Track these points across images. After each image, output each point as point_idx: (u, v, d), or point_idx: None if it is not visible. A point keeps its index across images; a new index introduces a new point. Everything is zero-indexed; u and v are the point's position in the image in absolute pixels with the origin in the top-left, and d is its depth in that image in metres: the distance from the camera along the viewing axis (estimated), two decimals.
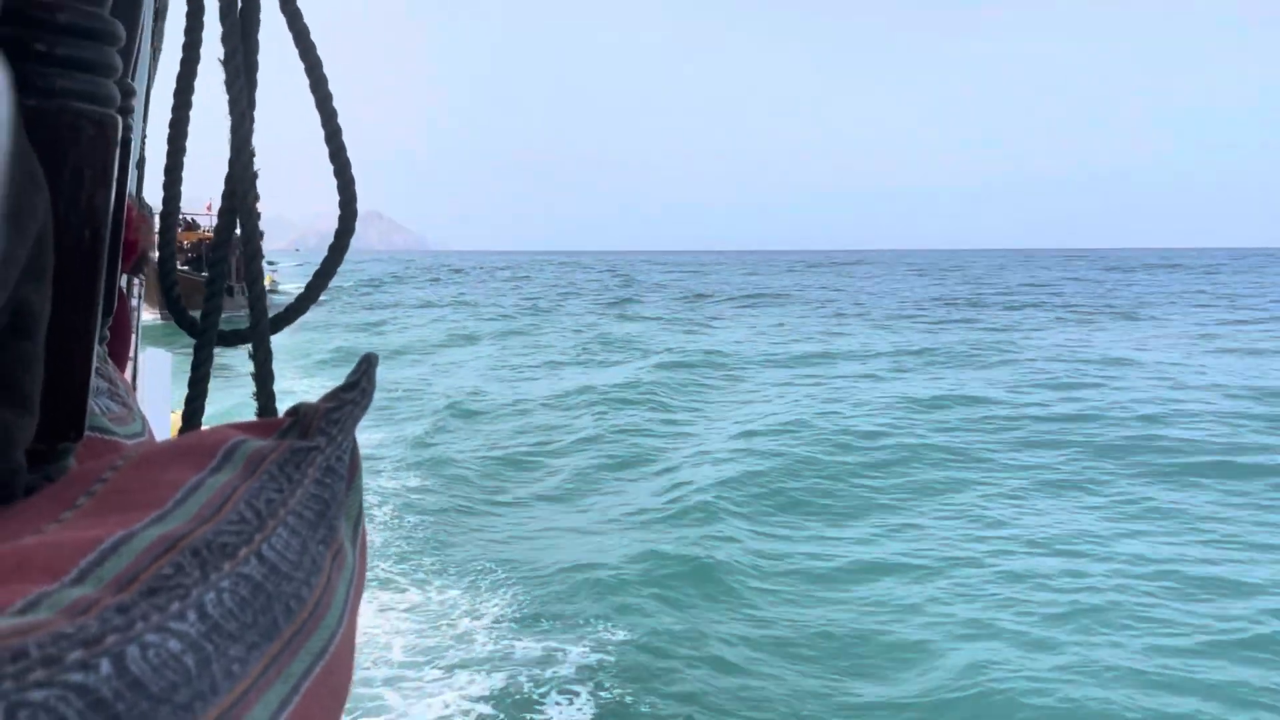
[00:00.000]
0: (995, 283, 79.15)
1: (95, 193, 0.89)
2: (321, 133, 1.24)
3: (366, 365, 0.87)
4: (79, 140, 0.88)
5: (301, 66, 1.23)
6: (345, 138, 1.26)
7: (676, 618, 10.12)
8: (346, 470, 0.80)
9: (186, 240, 45.85)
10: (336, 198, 1.27)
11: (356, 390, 0.85)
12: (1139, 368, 25.37)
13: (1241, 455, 15.76)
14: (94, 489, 0.72)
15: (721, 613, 10.30)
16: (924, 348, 30.55)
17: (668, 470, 15.91)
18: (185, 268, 40.79)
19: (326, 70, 1.22)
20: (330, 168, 1.26)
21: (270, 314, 1.27)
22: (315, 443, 0.78)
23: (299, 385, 22.48)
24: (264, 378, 1.23)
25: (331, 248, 1.30)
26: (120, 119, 0.91)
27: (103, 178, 0.89)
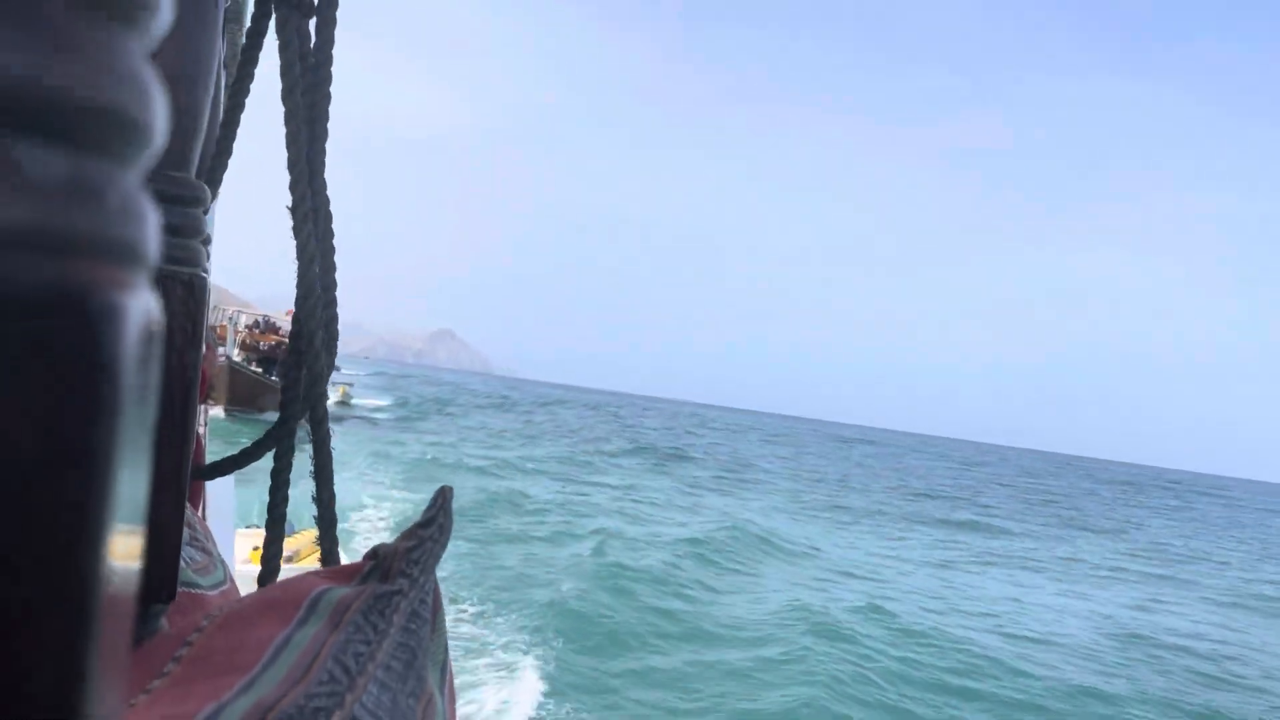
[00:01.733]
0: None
1: (185, 352, 0.89)
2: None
3: (443, 500, 0.85)
4: (169, 302, 0.89)
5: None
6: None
7: None
8: (430, 612, 0.78)
9: (264, 341, 47.14)
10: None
11: (434, 526, 0.83)
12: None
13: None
14: (180, 653, 0.70)
15: None
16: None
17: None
18: (258, 369, 41.80)
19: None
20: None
21: (327, 419, 1.26)
22: (398, 586, 0.77)
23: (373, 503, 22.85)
24: (325, 520, 1.21)
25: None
26: (207, 278, 0.92)
27: (193, 338, 0.90)
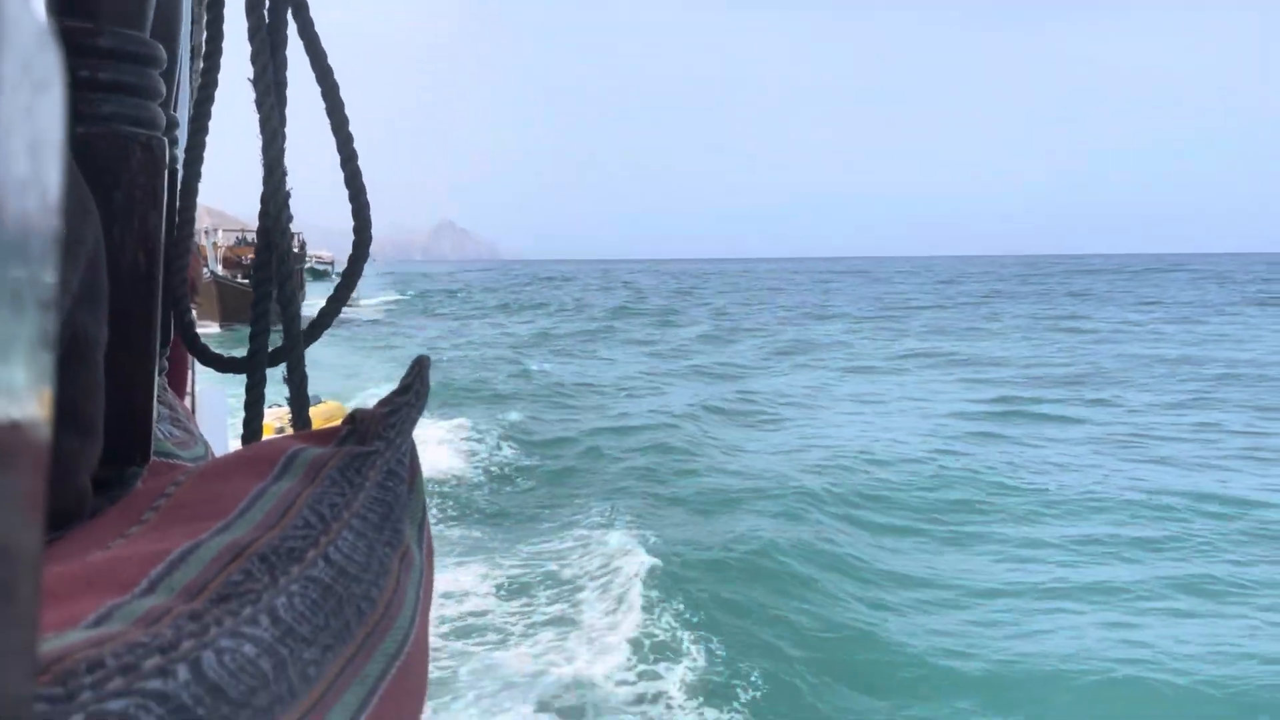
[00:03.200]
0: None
1: (147, 214, 0.90)
2: (361, 156, 1.22)
3: (419, 368, 0.88)
4: (128, 163, 0.89)
5: (319, 90, 1.22)
6: (362, 163, 1.24)
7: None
8: (407, 473, 0.81)
9: (246, 255, 46.90)
10: (351, 223, 1.25)
11: (411, 393, 0.85)
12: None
13: None
14: (157, 504, 0.73)
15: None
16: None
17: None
18: (245, 281, 41.62)
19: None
20: (358, 190, 1.23)
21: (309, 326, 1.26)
22: (374, 447, 0.79)
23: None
24: (299, 398, 1.23)
25: (345, 273, 1.28)
26: (166, 141, 0.92)
27: (153, 199, 0.91)
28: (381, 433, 0.81)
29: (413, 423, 0.83)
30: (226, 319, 38.54)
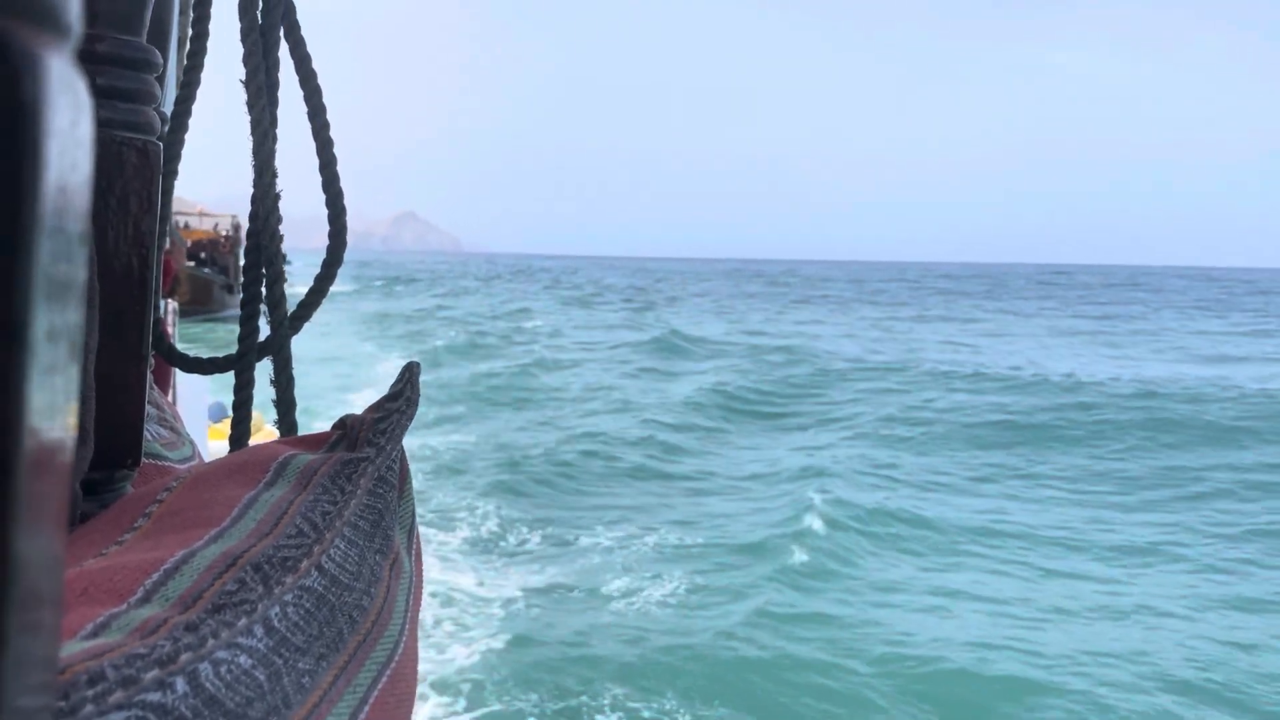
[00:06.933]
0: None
1: (142, 219, 0.90)
2: (321, 161, 1.22)
3: (409, 374, 0.88)
4: (124, 169, 0.89)
5: (301, 94, 1.21)
6: (342, 167, 1.23)
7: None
8: (397, 479, 0.81)
9: (188, 238, 46.27)
10: (327, 228, 1.25)
11: (401, 399, 0.85)
12: None
13: None
14: (150, 510, 0.73)
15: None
16: None
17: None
18: (190, 263, 40.88)
19: (329, 98, 1.20)
20: (329, 194, 1.22)
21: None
22: (365, 454, 0.79)
23: None
24: (285, 402, 1.22)
25: (319, 278, 1.26)
26: (161, 146, 0.92)
27: (148, 205, 0.91)
28: (372, 439, 0.81)
29: (403, 429, 0.84)
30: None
